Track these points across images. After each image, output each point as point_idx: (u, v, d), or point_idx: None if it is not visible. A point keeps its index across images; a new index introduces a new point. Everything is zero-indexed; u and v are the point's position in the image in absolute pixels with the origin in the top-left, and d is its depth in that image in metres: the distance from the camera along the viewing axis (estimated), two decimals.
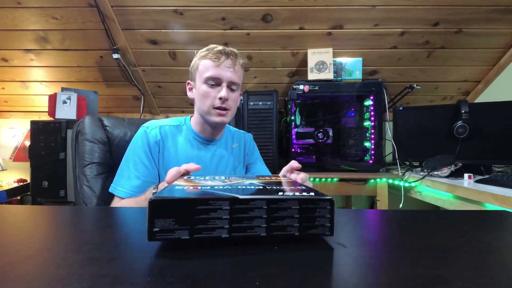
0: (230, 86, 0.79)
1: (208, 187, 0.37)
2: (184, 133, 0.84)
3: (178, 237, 0.29)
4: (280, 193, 0.34)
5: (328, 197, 0.32)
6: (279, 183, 0.43)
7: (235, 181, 0.44)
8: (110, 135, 0.90)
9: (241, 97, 0.92)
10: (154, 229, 0.29)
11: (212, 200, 0.30)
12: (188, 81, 0.86)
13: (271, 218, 0.31)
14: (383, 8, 1.48)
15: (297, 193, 0.34)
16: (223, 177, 0.49)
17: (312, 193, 0.34)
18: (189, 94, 0.86)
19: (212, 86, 0.78)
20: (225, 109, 0.79)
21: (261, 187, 0.39)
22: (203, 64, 0.78)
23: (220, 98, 0.77)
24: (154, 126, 0.81)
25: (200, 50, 0.81)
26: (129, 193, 0.73)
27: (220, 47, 0.78)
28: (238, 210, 0.31)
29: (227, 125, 0.94)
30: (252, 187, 0.39)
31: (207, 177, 0.49)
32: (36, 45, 1.71)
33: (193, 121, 0.86)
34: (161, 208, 0.29)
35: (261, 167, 0.98)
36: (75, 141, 0.87)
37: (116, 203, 0.74)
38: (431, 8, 1.47)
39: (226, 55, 0.77)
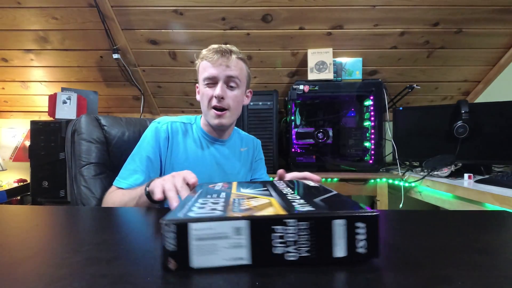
0: (228, 83, 0.77)
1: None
2: (194, 131, 0.85)
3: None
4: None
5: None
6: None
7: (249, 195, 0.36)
8: (108, 134, 0.88)
9: (250, 96, 0.88)
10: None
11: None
12: (197, 84, 0.86)
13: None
14: (383, 8, 1.48)
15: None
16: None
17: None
18: (197, 97, 0.86)
19: (209, 86, 0.78)
20: (222, 109, 0.77)
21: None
22: (202, 65, 0.79)
23: (216, 97, 0.76)
24: (165, 122, 0.81)
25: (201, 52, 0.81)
26: (132, 186, 0.72)
27: (216, 46, 0.78)
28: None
29: (236, 127, 0.94)
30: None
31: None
32: (36, 45, 1.71)
33: (202, 120, 0.87)
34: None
35: (265, 176, 1.00)
36: (71, 141, 0.85)
37: (112, 191, 0.72)
38: (431, 8, 1.47)
39: (220, 53, 0.76)
